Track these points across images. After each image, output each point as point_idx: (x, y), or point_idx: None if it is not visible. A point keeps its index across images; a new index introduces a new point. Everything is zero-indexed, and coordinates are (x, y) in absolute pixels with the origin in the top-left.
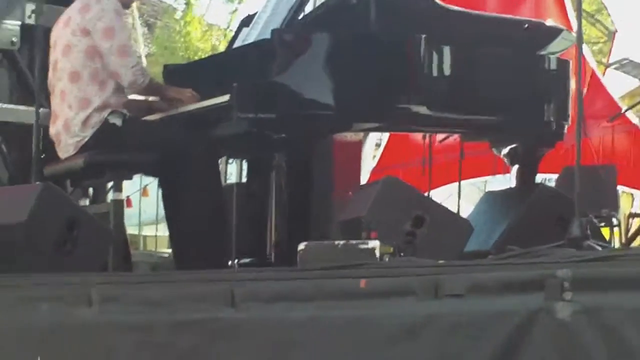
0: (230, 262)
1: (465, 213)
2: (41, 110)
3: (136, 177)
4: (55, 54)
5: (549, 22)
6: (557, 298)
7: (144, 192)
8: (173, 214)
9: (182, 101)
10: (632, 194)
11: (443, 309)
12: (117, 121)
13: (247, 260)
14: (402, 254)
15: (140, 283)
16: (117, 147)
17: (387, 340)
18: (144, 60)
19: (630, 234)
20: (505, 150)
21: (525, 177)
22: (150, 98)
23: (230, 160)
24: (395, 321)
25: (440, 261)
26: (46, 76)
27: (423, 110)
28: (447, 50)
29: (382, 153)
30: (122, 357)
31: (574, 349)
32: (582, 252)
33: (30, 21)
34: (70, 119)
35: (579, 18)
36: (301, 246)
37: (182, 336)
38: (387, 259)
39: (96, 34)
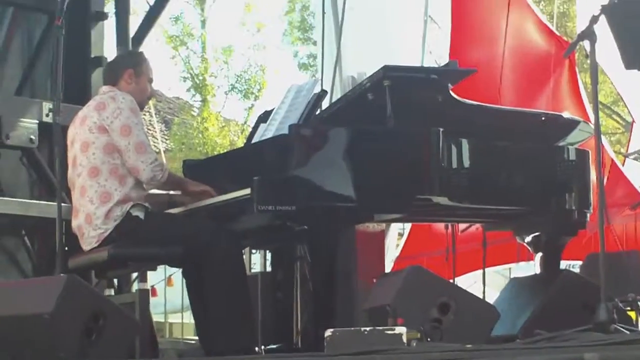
0: (256, 349)
1: (491, 299)
2: (63, 205)
3: (160, 267)
4: (73, 151)
5: (566, 115)
6: None
7: (168, 281)
8: (198, 304)
9: (203, 194)
10: None
11: None
12: (140, 214)
13: (273, 346)
14: (429, 339)
15: None
16: (140, 240)
17: None
18: (162, 156)
19: None
20: (528, 238)
21: (550, 264)
22: (171, 192)
23: (254, 251)
24: None
25: (468, 345)
26: (66, 172)
27: (444, 201)
28: (465, 143)
29: (405, 242)
30: None
31: None
32: (609, 335)
33: (48, 120)
34: (92, 212)
35: (595, 110)
36: (328, 332)
37: None
38: (414, 345)
39: (113, 132)
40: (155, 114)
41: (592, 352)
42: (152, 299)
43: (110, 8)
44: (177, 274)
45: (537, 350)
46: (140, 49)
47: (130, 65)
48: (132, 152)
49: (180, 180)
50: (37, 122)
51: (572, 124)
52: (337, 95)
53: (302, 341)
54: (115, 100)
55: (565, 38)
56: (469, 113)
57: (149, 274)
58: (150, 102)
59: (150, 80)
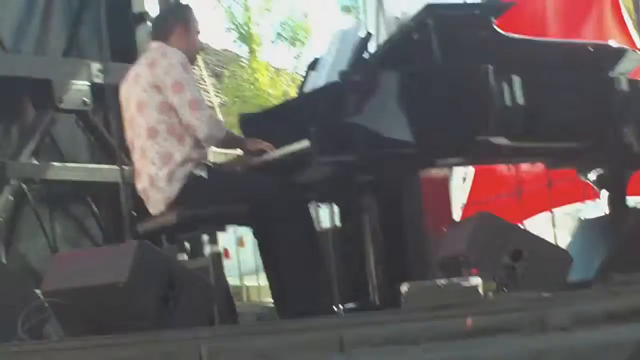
0: (334, 308)
1: (561, 242)
2: (125, 168)
3: (231, 228)
4: (130, 112)
5: (613, 43)
6: None
7: (240, 243)
8: (270, 263)
9: (262, 151)
10: None
11: (551, 344)
12: (203, 173)
13: (351, 305)
14: (505, 290)
15: (248, 334)
16: (206, 199)
17: None
18: (217, 111)
19: None
20: (592, 176)
21: (617, 202)
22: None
23: (320, 205)
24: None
25: (545, 294)
26: (122, 134)
27: (503, 141)
28: (517, 79)
29: (471, 187)
30: None
31: None
32: None
33: (98, 80)
34: (154, 174)
35: None
36: (404, 287)
37: None
38: (491, 296)
39: (166, 89)
40: (205, 67)
41: None
42: (225, 262)
43: None
44: (248, 234)
45: (613, 294)
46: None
47: (179, 20)
48: (186, 109)
49: (238, 138)
50: (89, 83)
51: (620, 53)
52: (382, 37)
53: (379, 297)
54: (166, 57)
55: None
56: (516, 47)
57: (221, 235)
58: (199, 56)
59: (198, 32)
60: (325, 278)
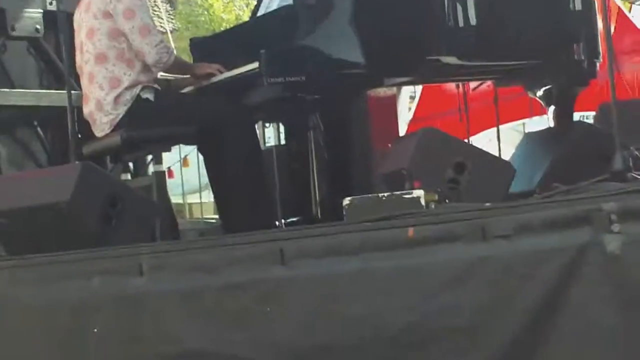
0: (277, 223)
1: (506, 156)
2: (73, 92)
3: (175, 148)
4: (80, 38)
5: None
6: (605, 231)
7: (184, 162)
8: (216, 180)
9: (211, 75)
10: None
11: (492, 251)
12: (150, 96)
13: (293, 219)
14: (447, 201)
15: (189, 249)
16: (153, 122)
17: (438, 287)
18: (170, 36)
19: None
20: (540, 92)
21: (562, 117)
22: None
23: (267, 124)
24: (445, 267)
25: (486, 204)
26: (74, 59)
27: (453, 60)
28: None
29: (417, 104)
30: (175, 325)
31: (625, 281)
32: (627, 184)
33: (52, 8)
34: (102, 98)
35: None
36: (346, 201)
37: (233, 299)
38: (432, 207)
39: (117, 15)
40: None
41: (610, 202)
42: (169, 181)
43: None
44: (192, 154)
45: (554, 204)
46: None
47: None
48: (136, 35)
49: (186, 64)
50: (42, 11)
51: None
52: None
53: (321, 211)
54: None
55: None
56: None
57: (164, 156)
58: None
59: None
60: (269, 195)
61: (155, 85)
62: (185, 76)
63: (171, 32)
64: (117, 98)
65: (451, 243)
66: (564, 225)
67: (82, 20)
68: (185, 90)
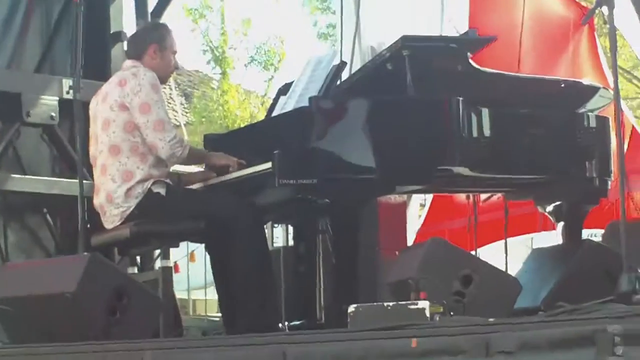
0: (280, 325)
1: (513, 270)
2: (85, 182)
3: (182, 243)
4: (95, 128)
5: (586, 81)
6: (609, 353)
7: (191, 257)
8: (221, 279)
9: (229, 166)
10: None
11: None
12: (162, 190)
13: (297, 322)
14: (452, 314)
15: (191, 348)
16: (163, 216)
17: None
18: (183, 130)
19: None
20: (550, 208)
21: (571, 234)
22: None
23: (276, 225)
24: None
25: (491, 319)
26: (87, 149)
27: (465, 171)
28: (485, 112)
29: (427, 213)
30: None
31: None
32: (632, 307)
33: (68, 96)
34: (113, 191)
35: (615, 75)
36: (351, 308)
37: None
38: (437, 319)
39: (133, 109)
40: (175, 87)
41: (615, 324)
42: (175, 276)
43: None
44: (199, 249)
45: (559, 323)
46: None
47: (154, 39)
48: (150, 130)
49: (202, 153)
50: (58, 98)
51: (591, 91)
52: (356, 65)
53: (325, 317)
54: (137, 77)
55: (584, 3)
56: (488, 81)
57: (172, 250)
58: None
59: (174, 53)
60: (274, 297)
61: (167, 180)
62: (196, 171)
63: (185, 125)
64: (128, 191)
65: (454, 356)
66: (568, 345)
67: (98, 111)
68: (196, 186)
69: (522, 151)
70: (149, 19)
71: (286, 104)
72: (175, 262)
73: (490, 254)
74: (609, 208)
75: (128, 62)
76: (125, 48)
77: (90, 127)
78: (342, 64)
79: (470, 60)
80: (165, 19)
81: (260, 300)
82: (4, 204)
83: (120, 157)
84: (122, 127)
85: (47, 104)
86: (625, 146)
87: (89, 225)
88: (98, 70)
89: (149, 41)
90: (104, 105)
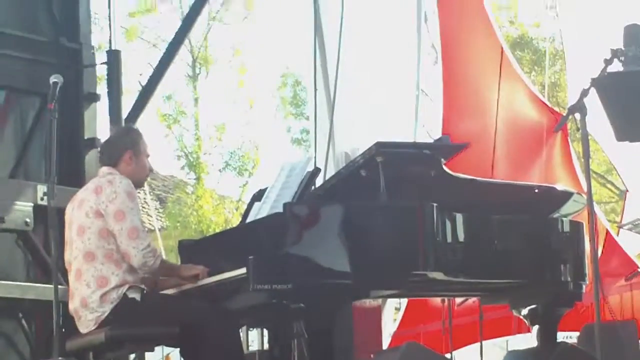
0: None
1: None
2: (60, 287)
3: (158, 346)
4: (70, 234)
5: (560, 186)
6: None
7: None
8: None
9: (197, 277)
10: None
11: None
12: (136, 296)
13: None
14: None
15: None
16: (137, 321)
17: None
18: (157, 234)
19: None
20: (525, 311)
21: (546, 336)
22: None
23: (251, 328)
24: None
25: None
26: (62, 255)
27: (439, 276)
28: (459, 217)
29: (402, 317)
30: None
31: None
32: None
33: (43, 202)
34: (87, 296)
35: (588, 180)
36: None
37: None
38: None
39: (108, 216)
40: (150, 191)
41: None
42: None
43: (102, 89)
44: (174, 352)
45: None
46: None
47: (128, 145)
48: (124, 237)
49: (172, 266)
50: (32, 204)
51: (565, 196)
52: (330, 171)
53: None
54: (112, 184)
55: (556, 108)
56: (462, 187)
57: (147, 354)
58: None
59: (148, 156)
60: None
61: (142, 286)
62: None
63: (160, 230)
64: (103, 296)
65: None
66: None
67: (74, 217)
68: (170, 291)
69: (497, 256)
70: (123, 124)
71: (260, 210)
72: None
73: (466, 356)
74: (584, 311)
75: (104, 169)
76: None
77: (65, 232)
78: (316, 170)
79: (444, 167)
80: (139, 124)
81: None
82: None
83: (95, 263)
84: (97, 234)
85: (22, 210)
86: (600, 250)
87: (64, 330)
88: (72, 176)
89: (124, 148)
90: (80, 212)
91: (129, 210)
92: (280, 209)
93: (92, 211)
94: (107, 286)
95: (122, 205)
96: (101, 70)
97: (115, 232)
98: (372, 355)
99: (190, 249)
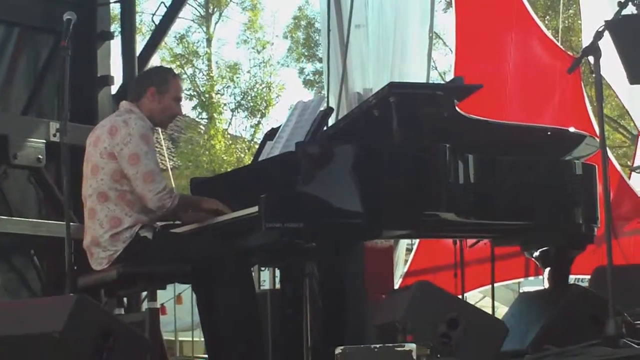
0: None
1: (499, 315)
2: (72, 224)
3: (170, 285)
4: (86, 170)
5: (572, 129)
6: None
7: (178, 299)
8: (208, 320)
9: (219, 211)
10: None
11: None
12: (149, 234)
13: None
14: (438, 356)
15: None
16: (149, 259)
17: None
18: (170, 173)
19: None
20: (536, 253)
21: (558, 279)
22: None
23: (262, 268)
24: None
25: None
26: (73, 192)
27: (451, 217)
28: (472, 158)
29: (413, 258)
30: None
31: None
32: (618, 349)
33: (55, 139)
34: (99, 235)
35: (601, 123)
36: (338, 350)
37: None
38: None
39: (122, 159)
40: (162, 131)
41: None
42: (161, 317)
43: (116, 27)
44: (186, 292)
45: None
46: (146, 68)
47: (154, 83)
48: (139, 181)
49: (193, 199)
50: (45, 141)
51: (578, 139)
52: (343, 112)
53: (312, 359)
54: (127, 126)
55: (570, 52)
56: (474, 128)
57: (159, 292)
58: None
59: (177, 99)
60: (260, 339)
61: (155, 224)
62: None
63: (172, 169)
64: (116, 235)
65: None
66: None
67: (89, 154)
68: (184, 229)
69: (509, 197)
70: (136, 63)
71: (273, 149)
72: (162, 304)
73: (478, 297)
74: (595, 253)
75: (124, 104)
76: (114, 92)
77: (84, 165)
78: (329, 110)
79: (457, 108)
80: (151, 64)
81: (247, 342)
82: None
83: (109, 203)
84: (109, 176)
85: (34, 147)
86: (611, 194)
87: (75, 267)
88: (85, 113)
89: (149, 84)
90: (95, 150)
91: (143, 154)
92: (292, 148)
93: (105, 152)
94: (120, 226)
95: (137, 148)
96: (115, 10)
97: (130, 176)
98: (383, 296)
99: (202, 187)
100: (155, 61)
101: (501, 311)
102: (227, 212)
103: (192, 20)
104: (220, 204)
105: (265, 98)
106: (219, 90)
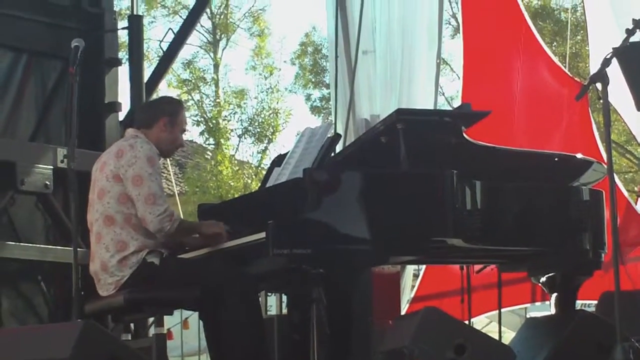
0: None
1: (506, 340)
2: (79, 250)
3: (177, 310)
4: (92, 195)
5: (579, 155)
6: None
7: (184, 324)
8: (215, 346)
9: (219, 235)
10: None
11: None
12: (155, 260)
13: None
14: None
15: None
16: (156, 285)
17: None
18: (177, 199)
19: None
20: (543, 279)
21: (565, 305)
22: None
23: (270, 293)
24: None
25: None
26: (81, 218)
27: (459, 243)
28: (479, 184)
29: (420, 283)
30: None
31: None
32: None
33: (63, 165)
34: (107, 260)
35: (608, 149)
36: None
37: None
38: None
39: (127, 180)
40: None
41: None
42: (168, 342)
43: (123, 54)
44: (193, 316)
45: None
46: (154, 94)
47: (166, 113)
48: (141, 203)
49: (193, 224)
50: (52, 167)
51: (585, 165)
52: (350, 138)
53: None
54: (133, 149)
55: (577, 78)
56: (482, 155)
57: (165, 317)
58: None
59: (183, 131)
60: None
61: (162, 250)
62: (196, 236)
63: (179, 195)
64: (122, 260)
65: None
66: None
67: (96, 178)
68: (191, 255)
69: (516, 223)
70: (144, 89)
71: (280, 175)
72: (168, 329)
73: (484, 323)
74: (602, 279)
75: (130, 131)
76: (121, 118)
77: (90, 192)
78: (337, 136)
79: (464, 134)
80: (159, 90)
81: None
82: None
83: (115, 227)
84: (116, 199)
85: (42, 173)
86: (618, 219)
87: (83, 293)
88: (93, 139)
89: (162, 113)
90: (102, 174)
91: (147, 176)
92: (300, 175)
93: (111, 175)
94: (126, 250)
95: (141, 170)
96: (123, 37)
97: (133, 197)
98: (390, 321)
99: (210, 213)
100: (162, 86)
101: (508, 336)
102: (224, 237)
103: (200, 47)
104: (220, 225)
105: (273, 124)
106: (226, 116)
